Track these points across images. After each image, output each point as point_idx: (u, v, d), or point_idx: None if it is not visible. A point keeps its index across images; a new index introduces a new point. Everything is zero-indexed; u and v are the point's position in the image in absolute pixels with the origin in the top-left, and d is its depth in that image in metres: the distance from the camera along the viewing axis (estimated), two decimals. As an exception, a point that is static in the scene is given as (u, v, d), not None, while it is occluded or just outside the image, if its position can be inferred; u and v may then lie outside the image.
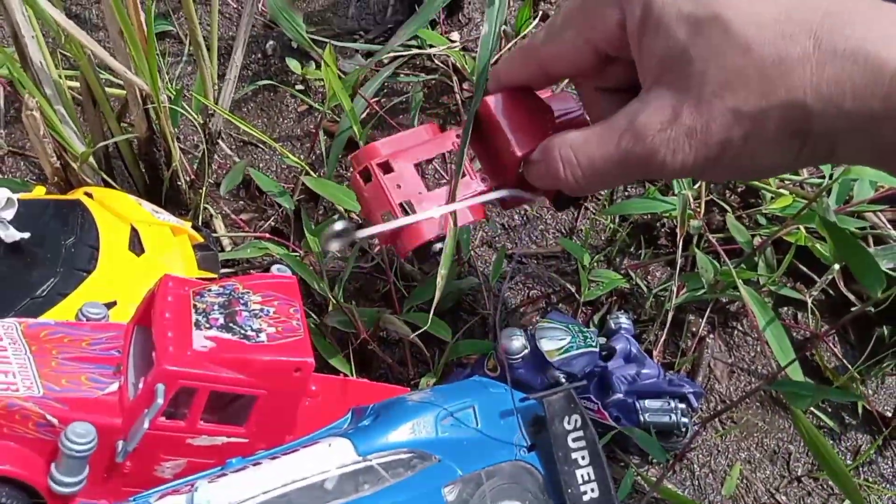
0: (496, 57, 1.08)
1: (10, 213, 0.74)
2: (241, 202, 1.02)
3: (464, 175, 0.66)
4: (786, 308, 0.93)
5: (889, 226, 0.91)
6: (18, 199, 0.75)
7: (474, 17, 1.16)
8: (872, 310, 0.88)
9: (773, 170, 0.56)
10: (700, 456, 0.86)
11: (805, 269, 0.92)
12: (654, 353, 0.88)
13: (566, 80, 0.89)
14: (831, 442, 0.87)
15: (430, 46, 1.04)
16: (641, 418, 0.77)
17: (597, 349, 0.78)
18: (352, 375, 0.84)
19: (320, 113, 1.05)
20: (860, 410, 0.88)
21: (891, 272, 0.82)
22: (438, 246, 0.65)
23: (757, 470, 0.86)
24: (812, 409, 0.88)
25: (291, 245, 0.93)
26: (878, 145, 0.51)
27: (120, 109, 0.91)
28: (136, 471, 0.59)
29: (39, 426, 0.56)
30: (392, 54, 1.05)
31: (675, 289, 0.87)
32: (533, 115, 0.65)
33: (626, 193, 0.99)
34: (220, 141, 0.97)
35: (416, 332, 0.81)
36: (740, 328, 0.93)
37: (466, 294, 0.92)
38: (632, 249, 0.95)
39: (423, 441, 0.59)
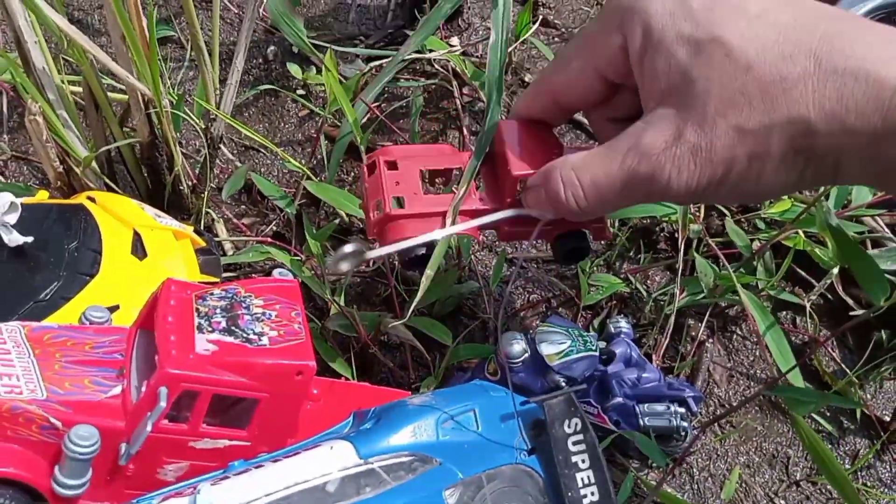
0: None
1: (13, 218, 0.74)
2: (243, 206, 1.02)
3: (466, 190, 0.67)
4: (784, 312, 0.94)
5: (887, 230, 0.92)
6: (22, 204, 0.75)
7: (474, 22, 1.16)
8: (872, 314, 0.89)
9: (779, 189, 0.55)
10: (699, 460, 0.86)
11: (804, 273, 0.93)
12: (654, 357, 0.88)
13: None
14: (830, 446, 0.87)
15: (430, 51, 1.05)
16: (641, 422, 0.77)
17: (597, 353, 0.78)
18: (353, 379, 0.84)
19: (321, 118, 1.05)
20: (858, 415, 0.89)
21: (891, 277, 0.82)
22: (421, 251, 0.65)
23: (756, 474, 0.86)
24: (811, 413, 0.88)
25: (293, 249, 0.93)
26: (880, 164, 0.52)
27: (122, 114, 0.92)
28: (138, 473, 0.60)
29: (43, 429, 0.56)
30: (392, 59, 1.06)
31: (677, 292, 0.87)
32: (540, 144, 0.65)
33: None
34: (221, 145, 0.97)
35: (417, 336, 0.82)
36: (739, 332, 0.93)
37: (467, 298, 0.92)
38: (631, 254, 0.95)
39: (424, 444, 0.59)
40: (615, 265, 0.95)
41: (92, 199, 0.83)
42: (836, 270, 0.90)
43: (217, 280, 0.83)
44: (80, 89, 0.90)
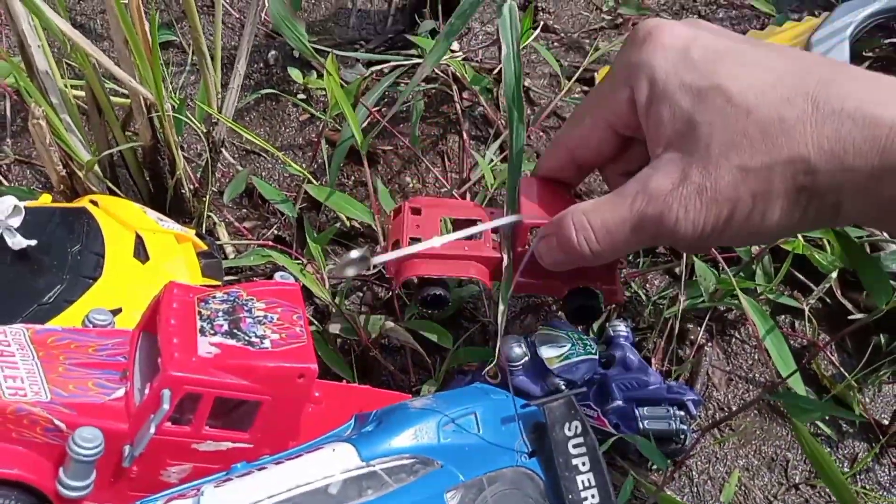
0: (498, 68, 1.09)
1: (17, 221, 0.75)
2: (244, 210, 1.02)
3: (480, 236, 0.72)
4: (783, 316, 0.94)
5: (886, 233, 0.92)
6: (25, 207, 0.76)
7: (474, 27, 1.17)
8: (871, 318, 0.89)
9: (785, 229, 0.57)
10: (698, 463, 0.86)
11: (802, 277, 0.93)
12: (653, 360, 0.89)
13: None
14: (828, 449, 0.88)
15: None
16: (640, 425, 0.77)
17: (596, 357, 0.79)
18: (354, 382, 0.84)
19: (322, 122, 1.06)
20: (857, 418, 0.89)
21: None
22: (437, 292, 0.71)
23: (755, 477, 0.86)
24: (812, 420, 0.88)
25: (294, 253, 0.93)
26: (880, 202, 0.54)
27: (124, 118, 0.92)
28: (142, 475, 0.60)
29: (47, 431, 0.56)
30: (392, 63, 1.06)
31: (681, 298, 0.88)
32: (554, 198, 0.69)
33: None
34: (223, 149, 0.97)
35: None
36: (738, 336, 0.94)
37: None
38: (630, 257, 0.95)
39: (426, 447, 0.59)
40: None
41: (94, 203, 0.83)
42: (834, 274, 0.91)
43: (219, 283, 0.84)
44: (82, 93, 0.90)
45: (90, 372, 0.61)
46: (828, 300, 0.93)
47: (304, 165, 1.03)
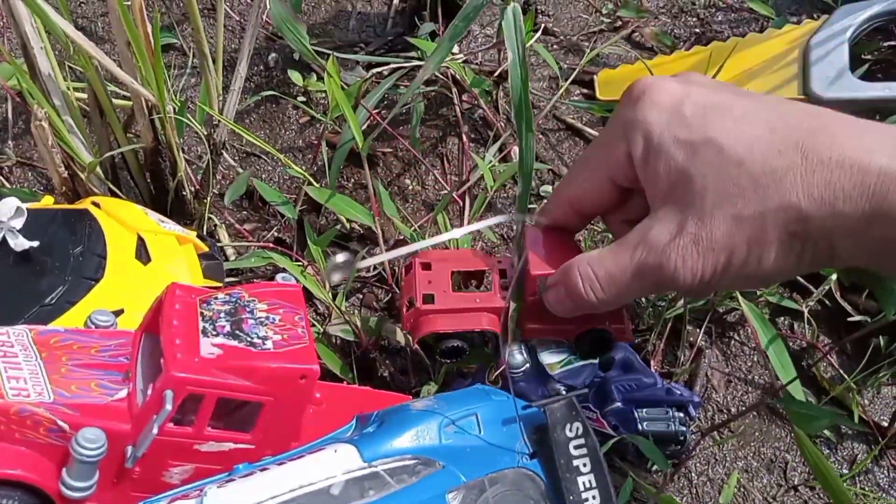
0: (498, 70, 1.09)
1: (19, 223, 0.75)
2: (245, 212, 1.03)
3: (489, 285, 0.75)
4: (783, 318, 0.94)
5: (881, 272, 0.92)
6: (27, 209, 0.76)
7: (474, 30, 1.17)
8: (869, 320, 0.89)
9: (781, 273, 0.60)
10: (698, 464, 0.87)
11: (802, 280, 0.93)
12: (653, 362, 0.89)
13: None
14: (827, 451, 0.88)
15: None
16: (640, 427, 0.77)
17: (596, 361, 0.79)
18: (354, 383, 0.85)
19: (322, 124, 1.06)
20: (857, 420, 0.89)
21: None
22: (455, 343, 0.74)
23: (754, 479, 0.86)
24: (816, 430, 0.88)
25: (294, 254, 0.93)
26: (871, 244, 0.56)
27: (126, 120, 0.92)
28: (144, 476, 0.60)
29: (50, 431, 0.56)
30: (393, 66, 1.07)
31: (684, 300, 0.88)
32: (558, 248, 0.71)
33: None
34: (223, 152, 0.98)
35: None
36: (737, 338, 0.94)
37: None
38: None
39: (427, 448, 0.59)
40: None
41: (96, 205, 0.83)
42: (834, 277, 0.91)
43: (220, 285, 0.84)
44: (84, 95, 0.91)
45: (93, 373, 0.61)
46: (827, 302, 0.94)
47: (304, 167, 1.03)
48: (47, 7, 0.77)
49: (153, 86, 0.82)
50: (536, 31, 1.14)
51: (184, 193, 0.93)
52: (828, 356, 0.91)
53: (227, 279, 0.89)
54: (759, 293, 0.91)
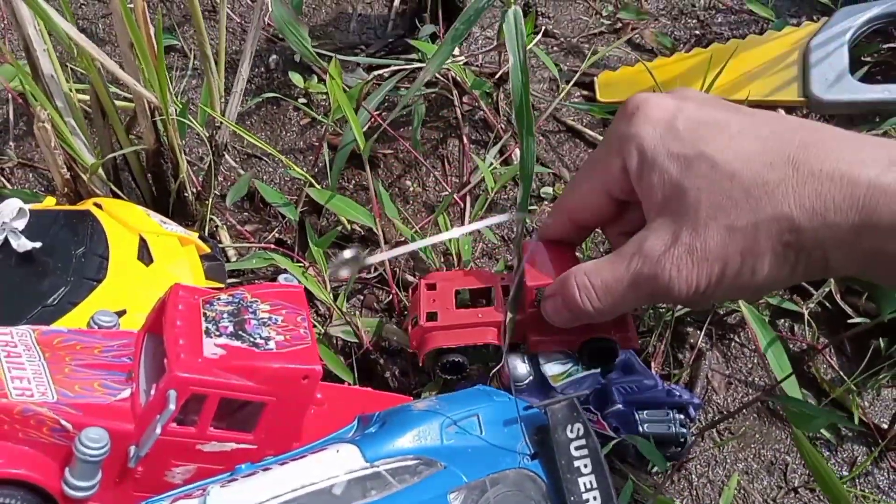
0: (498, 73, 1.09)
1: (21, 223, 0.75)
2: (246, 213, 1.03)
3: (492, 301, 0.77)
4: (783, 320, 0.94)
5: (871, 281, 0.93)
6: (29, 210, 0.76)
7: (474, 32, 1.17)
8: (868, 321, 0.89)
9: (775, 283, 0.61)
10: (698, 466, 0.87)
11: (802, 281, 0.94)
12: (653, 364, 0.89)
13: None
14: (827, 453, 0.88)
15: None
16: (640, 429, 0.77)
17: (598, 370, 0.79)
18: (355, 384, 0.85)
19: (323, 126, 1.06)
20: (857, 422, 0.89)
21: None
22: (456, 358, 0.76)
23: (754, 480, 0.87)
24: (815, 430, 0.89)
25: (295, 256, 0.94)
26: (862, 255, 0.57)
27: (128, 122, 0.92)
28: (146, 476, 0.60)
29: (54, 431, 0.57)
30: (393, 68, 1.07)
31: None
32: (557, 260, 0.72)
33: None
34: (225, 153, 0.98)
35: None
36: (738, 340, 0.94)
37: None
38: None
39: (429, 448, 0.59)
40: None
41: (98, 206, 0.84)
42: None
43: (222, 286, 0.84)
44: (87, 97, 0.91)
45: (96, 373, 0.61)
46: (827, 304, 0.94)
47: (305, 169, 1.04)
48: (50, 9, 0.77)
49: (156, 88, 0.83)
50: (537, 33, 1.14)
51: (185, 195, 0.94)
52: (827, 357, 0.91)
53: (229, 280, 0.89)
54: (759, 295, 0.91)
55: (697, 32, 1.19)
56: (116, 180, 0.93)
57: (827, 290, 0.92)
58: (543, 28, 1.18)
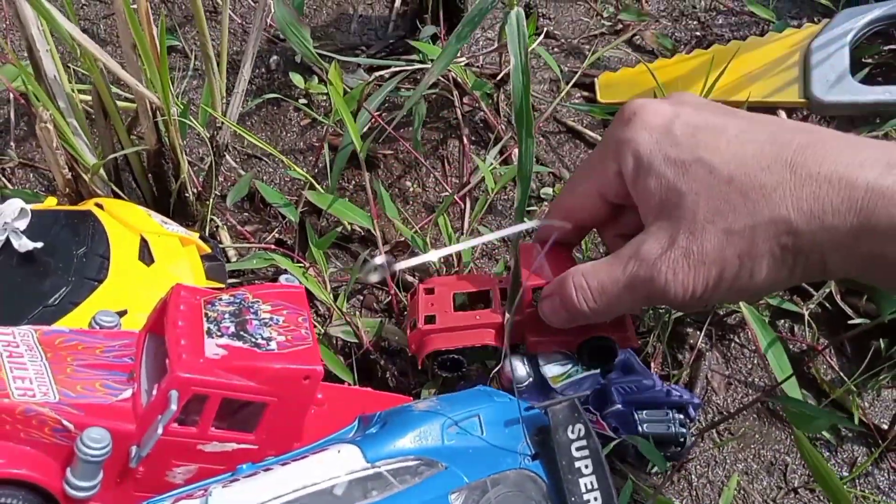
0: (500, 74, 1.10)
1: (23, 224, 0.75)
2: (246, 214, 1.03)
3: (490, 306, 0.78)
4: (783, 321, 0.95)
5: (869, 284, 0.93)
6: (31, 210, 0.76)
7: (475, 33, 1.17)
8: (869, 322, 0.89)
9: (774, 285, 0.61)
10: (698, 467, 0.87)
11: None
12: (653, 364, 0.89)
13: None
14: (827, 454, 0.88)
15: (432, 61, 1.06)
16: (640, 429, 0.77)
17: (598, 371, 0.79)
18: (354, 385, 0.85)
19: (323, 126, 1.06)
20: (857, 423, 0.89)
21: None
22: (449, 355, 0.77)
23: (754, 481, 0.87)
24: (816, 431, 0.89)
25: (296, 256, 0.94)
26: (860, 258, 0.57)
27: (130, 122, 0.93)
28: (148, 476, 0.60)
29: (55, 431, 0.57)
30: (394, 69, 1.07)
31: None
32: (555, 262, 0.73)
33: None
34: (226, 153, 0.98)
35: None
36: (737, 340, 0.94)
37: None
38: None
39: (430, 449, 0.59)
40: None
41: (100, 206, 0.84)
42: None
43: (222, 286, 0.84)
44: (89, 97, 0.91)
45: (98, 373, 0.61)
46: (828, 305, 0.94)
47: (305, 169, 1.04)
48: (53, 10, 0.77)
49: (158, 88, 0.83)
50: (538, 34, 1.14)
51: (186, 195, 0.94)
52: (828, 358, 0.92)
53: (229, 280, 0.89)
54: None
55: (698, 34, 1.19)
56: (118, 180, 0.93)
57: (827, 290, 0.92)
58: (545, 30, 1.18)
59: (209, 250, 0.87)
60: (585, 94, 1.13)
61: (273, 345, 0.61)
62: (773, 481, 0.87)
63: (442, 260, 0.95)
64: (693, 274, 0.61)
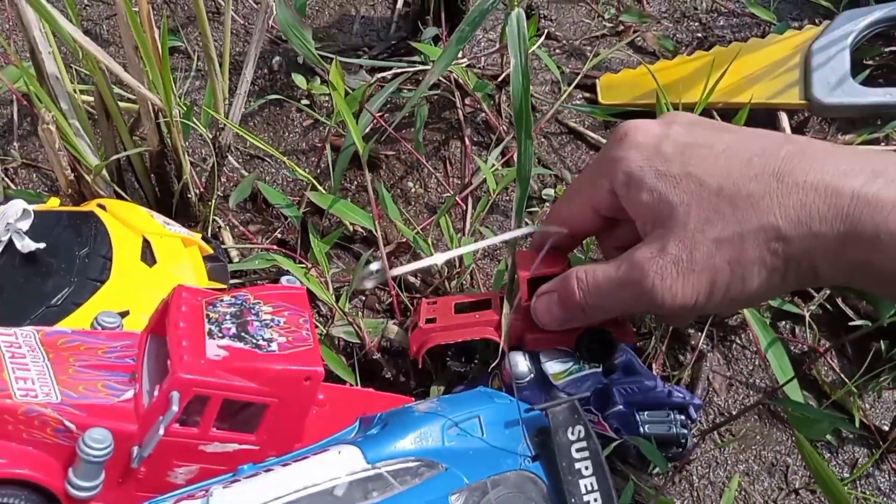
0: (501, 75, 1.10)
1: (25, 224, 0.75)
2: (249, 214, 1.03)
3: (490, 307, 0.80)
4: (784, 322, 0.95)
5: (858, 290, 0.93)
6: (34, 211, 0.76)
7: (476, 34, 1.17)
8: (870, 324, 0.90)
9: (767, 293, 0.63)
10: (699, 468, 0.87)
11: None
12: (654, 365, 0.89)
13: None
14: (828, 455, 0.88)
15: (434, 62, 1.06)
16: (641, 429, 0.77)
17: (600, 369, 0.79)
18: (356, 385, 0.85)
19: (325, 127, 1.06)
20: (857, 424, 0.89)
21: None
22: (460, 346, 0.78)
23: (755, 482, 0.87)
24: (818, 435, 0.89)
25: (298, 257, 0.94)
26: (848, 265, 0.58)
27: (132, 123, 0.93)
28: (149, 476, 0.60)
29: (57, 432, 0.57)
30: (396, 70, 1.07)
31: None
32: (551, 266, 0.75)
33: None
34: (228, 154, 0.98)
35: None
36: (739, 342, 0.94)
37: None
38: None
39: (430, 450, 0.60)
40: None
41: (102, 207, 0.84)
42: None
43: (225, 287, 0.84)
44: (91, 99, 0.91)
45: (100, 374, 0.62)
46: (829, 307, 0.94)
47: (308, 170, 1.04)
48: (55, 12, 0.77)
49: (160, 89, 0.83)
50: (540, 35, 1.14)
51: (189, 196, 0.94)
52: (828, 359, 0.92)
53: (231, 281, 0.89)
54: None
55: (699, 35, 1.19)
56: (120, 181, 0.94)
57: (828, 292, 0.92)
58: (546, 31, 1.18)
59: (211, 251, 0.87)
60: (587, 95, 1.13)
61: (274, 346, 0.62)
62: (775, 482, 0.87)
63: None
64: (682, 281, 0.62)
